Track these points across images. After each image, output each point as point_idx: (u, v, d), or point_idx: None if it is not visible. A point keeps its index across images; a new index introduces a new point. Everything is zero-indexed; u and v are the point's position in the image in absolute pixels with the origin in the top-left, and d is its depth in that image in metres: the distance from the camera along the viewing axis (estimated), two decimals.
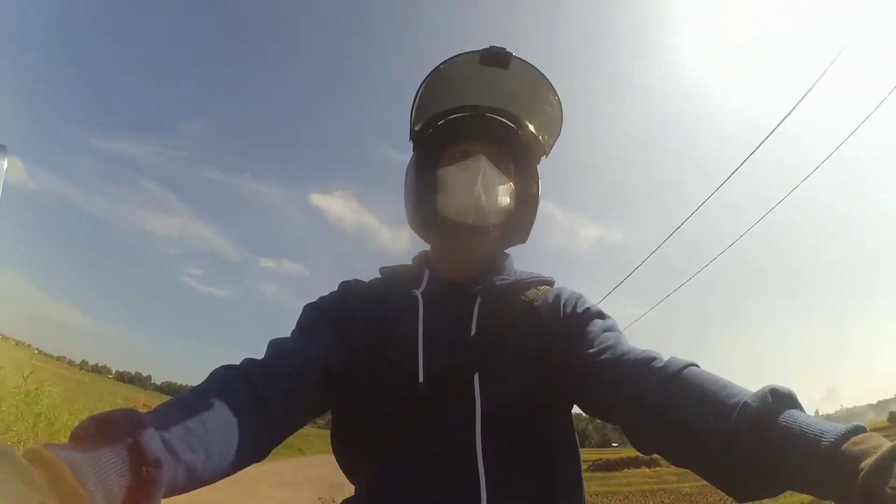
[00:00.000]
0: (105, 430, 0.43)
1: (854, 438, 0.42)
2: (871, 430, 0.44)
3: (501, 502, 0.65)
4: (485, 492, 0.64)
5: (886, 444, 0.40)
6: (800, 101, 6.84)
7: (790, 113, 6.93)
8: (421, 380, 0.71)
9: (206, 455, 0.51)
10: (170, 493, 0.47)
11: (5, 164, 0.45)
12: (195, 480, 0.50)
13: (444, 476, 0.66)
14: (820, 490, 0.44)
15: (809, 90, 6.82)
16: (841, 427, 0.44)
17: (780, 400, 0.49)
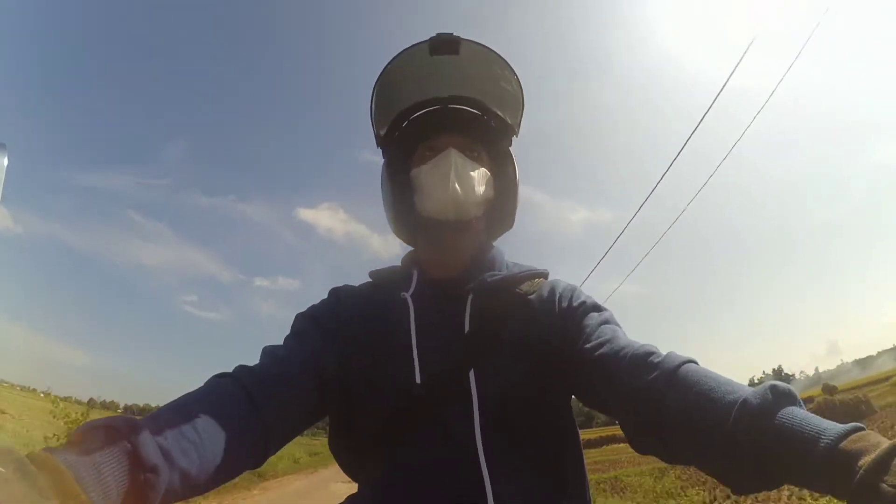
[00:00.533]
0: (104, 435, 0.44)
1: (853, 436, 0.42)
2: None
3: (506, 495, 0.65)
4: (489, 486, 0.64)
5: (886, 442, 0.40)
6: (743, 56, 6.60)
7: (735, 69, 6.67)
8: (418, 381, 0.70)
9: (200, 462, 0.52)
10: (165, 500, 0.47)
11: (6, 162, 0.44)
12: (190, 487, 0.51)
13: (448, 472, 0.67)
14: (819, 486, 0.44)
15: (750, 45, 6.57)
16: (840, 425, 0.44)
17: (780, 397, 0.48)
